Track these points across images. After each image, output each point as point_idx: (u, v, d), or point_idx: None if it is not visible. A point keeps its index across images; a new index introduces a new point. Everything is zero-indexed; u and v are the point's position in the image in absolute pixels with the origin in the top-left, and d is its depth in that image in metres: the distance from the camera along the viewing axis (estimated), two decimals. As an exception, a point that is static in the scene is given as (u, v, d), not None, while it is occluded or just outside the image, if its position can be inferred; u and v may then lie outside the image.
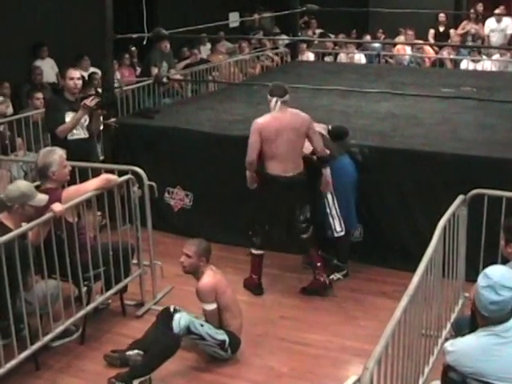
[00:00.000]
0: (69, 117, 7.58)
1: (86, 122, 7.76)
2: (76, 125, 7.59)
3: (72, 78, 7.69)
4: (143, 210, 6.48)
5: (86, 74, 11.18)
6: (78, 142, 7.64)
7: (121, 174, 6.41)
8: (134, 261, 6.49)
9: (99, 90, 8.43)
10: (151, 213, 6.62)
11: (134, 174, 6.46)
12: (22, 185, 5.55)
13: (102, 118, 8.36)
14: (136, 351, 5.51)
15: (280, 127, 6.42)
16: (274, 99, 6.59)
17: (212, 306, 5.50)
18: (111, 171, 6.52)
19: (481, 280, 3.76)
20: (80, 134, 7.70)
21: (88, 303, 5.95)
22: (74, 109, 7.62)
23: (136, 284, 6.52)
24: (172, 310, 5.56)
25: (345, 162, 6.93)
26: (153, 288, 6.66)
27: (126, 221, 6.47)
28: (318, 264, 6.70)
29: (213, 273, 5.60)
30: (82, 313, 5.83)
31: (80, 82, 7.80)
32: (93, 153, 7.96)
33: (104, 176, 6.15)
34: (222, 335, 5.51)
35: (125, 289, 6.40)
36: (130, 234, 6.48)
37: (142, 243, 6.52)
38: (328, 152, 6.62)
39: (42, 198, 5.51)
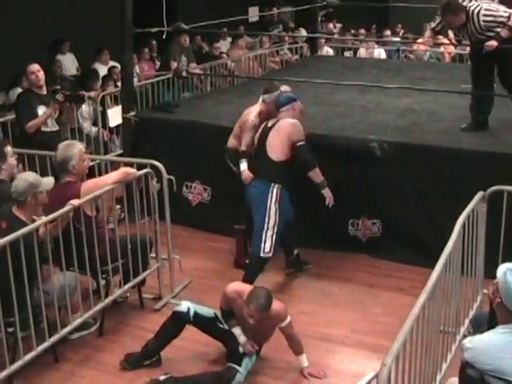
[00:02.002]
0: (41, 110, 7.65)
1: (56, 115, 7.86)
2: (45, 120, 7.68)
3: (33, 72, 7.78)
4: (162, 203, 6.49)
5: (105, 68, 11.22)
6: (47, 134, 7.74)
7: (140, 167, 6.43)
8: (152, 254, 6.50)
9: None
10: (170, 207, 6.63)
11: (153, 167, 6.47)
12: (27, 176, 5.56)
13: (120, 112, 8.40)
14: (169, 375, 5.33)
15: None
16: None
17: (289, 318, 5.39)
18: (130, 165, 6.54)
19: (509, 276, 3.73)
20: (50, 126, 7.78)
21: (106, 296, 5.97)
22: (44, 102, 7.71)
23: (154, 277, 6.54)
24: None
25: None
26: (171, 282, 6.67)
27: (144, 214, 6.48)
28: None
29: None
30: (100, 306, 5.85)
31: (42, 74, 7.84)
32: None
33: (123, 169, 6.17)
34: None
35: (143, 282, 6.43)
36: (149, 228, 6.49)
37: (160, 237, 6.53)
38: None
39: (48, 181, 5.59)
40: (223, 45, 14.53)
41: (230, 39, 14.80)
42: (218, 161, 7.73)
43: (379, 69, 10.97)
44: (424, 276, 4.54)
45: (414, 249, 7.07)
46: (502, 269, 3.80)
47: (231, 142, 7.20)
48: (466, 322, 5.45)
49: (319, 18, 13.34)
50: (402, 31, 16.78)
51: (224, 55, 13.18)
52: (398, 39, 15.07)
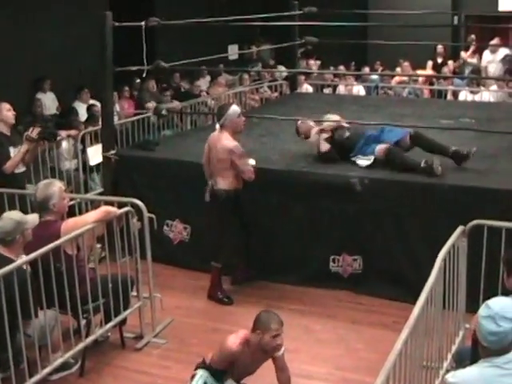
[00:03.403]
0: (12, 151, 7.48)
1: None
2: (23, 158, 7.48)
3: (9, 110, 7.62)
4: (143, 242, 6.47)
5: (85, 106, 11.26)
6: (20, 175, 7.61)
7: (120, 206, 6.42)
8: (134, 293, 6.47)
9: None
10: (151, 245, 6.61)
11: (134, 206, 6.46)
12: (13, 215, 5.56)
13: (101, 151, 8.41)
14: None
15: None
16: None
17: (284, 348, 5.31)
18: (111, 203, 6.53)
19: (482, 310, 3.75)
20: (21, 167, 7.61)
21: (87, 336, 5.92)
22: (13, 143, 7.55)
23: (135, 316, 6.50)
24: None
25: None
26: (152, 320, 6.63)
27: (125, 253, 6.46)
28: None
29: None
30: (81, 345, 5.81)
31: (11, 113, 7.66)
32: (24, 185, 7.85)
33: (103, 208, 6.16)
34: None
35: (124, 321, 6.38)
36: (130, 266, 6.47)
37: (141, 275, 6.49)
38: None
39: (34, 218, 5.62)
40: (203, 83, 14.61)
41: (209, 77, 14.89)
42: (197, 199, 7.75)
43: (359, 105, 11.04)
44: (406, 311, 4.53)
45: (396, 284, 7.07)
46: (484, 303, 3.82)
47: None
48: (449, 356, 5.44)
49: (298, 56, 13.43)
50: (380, 68, 16.92)
51: (204, 93, 13.25)
52: (376, 77, 15.17)
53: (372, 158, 7.53)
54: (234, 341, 5.12)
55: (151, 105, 11.18)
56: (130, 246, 6.40)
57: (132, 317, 6.47)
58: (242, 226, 7.35)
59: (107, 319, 6.08)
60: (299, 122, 8.33)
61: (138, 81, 12.87)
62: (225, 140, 7.00)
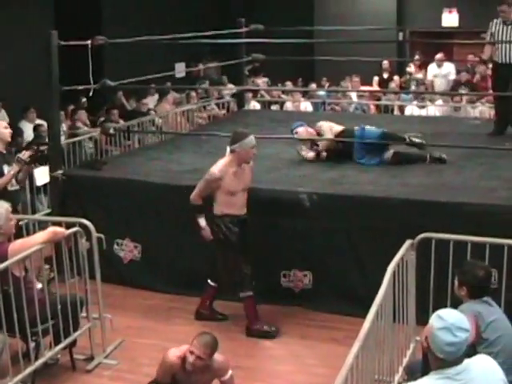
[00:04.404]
0: (5, 169, 7.48)
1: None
2: (11, 179, 7.51)
3: (6, 127, 7.63)
4: (92, 262, 6.42)
5: (31, 126, 11.16)
6: (14, 192, 7.62)
7: (68, 226, 6.36)
8: (83, 314, 6.40)
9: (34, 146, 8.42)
10: (101, 265, 6.56)
11: (82, 226, 6.41)
12: None
13: (48, 171, 8.33)
14: None
15: None
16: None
17: (231, 372, 5.33)
18: (59, 224, 6.46)
19: (436, 322, 3.76)
20: (14, 185, 7.64)
21: (36, 359, 5.83)
22: (7, 161, 7.55)
23: (86, 338, 6.42)
24: None
25: None
26: (103, 341, 6.56)
27: (74, 273, 6.39)
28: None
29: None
30: (30, 369, 5.72)
31: (8, 131, 7.68)
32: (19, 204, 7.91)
33: (51, 229, 6.09)
34: None
35: (74, 343, 6.30)
36: (79, 287, 6.40)
37: (91, 296, 6.44)
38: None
39: None
40: (150, 100, 14.58)
41: (157, 95, 14.86)
42: (147, 217, 7.73)
43: (307, 121, 11.05)
44: (357, 326, 4.55)
45: (346, 299, 7.11)
46: (434, 315, 3.85)
47: None
48: (400, 369, 5.47)
49: (245, 73, 13.47)
50: (327, 84, 17.06)
51: (152, 111, 13.22)
52: (323, 92, 15.27)
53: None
54: (173, 353, 5.18)
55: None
56: (78, 267, 6.34)
57: (82, 338, 6.39)
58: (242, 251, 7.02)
59: (57, 341, 6.00)
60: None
61: (84, 100, 12.78)
62: (217, 163, 6.84)
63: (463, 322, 3.79)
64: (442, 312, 3.84)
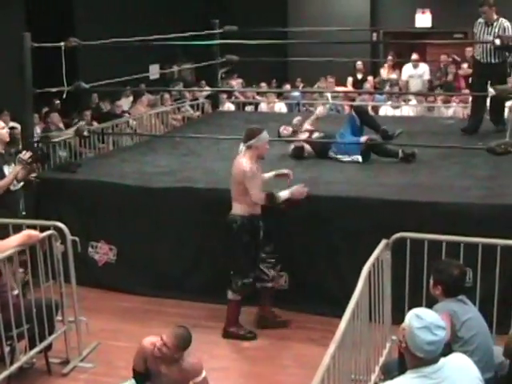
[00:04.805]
0: (6, 170, 7.49)
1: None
2: (13, 180, 7.51)
3: (3, 127, 7.61)
4: (67, 265, 6.38)
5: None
6: (17, 192, 7.68)
7: (43, 229, 6.32)
8: (59, 317, 6.37)
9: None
10: (76, 268, 6.52)
11: (57, 229, 6.37)
12: None
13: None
14: None
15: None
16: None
17: (204, 374, 5.35)
18: (33, 227, 6.42)
19: (414, 322, 3.78)
20: (16, 185, 7.66)
21: (11, 363, 5.78)
22: (6, 161, 7.56)
23: (61, 341, 6.39)
24: None
25: None
26: (78, 345, 6.52)
27: (49, 277, 6.36)
28: None
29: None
30: (5, 373, 5.67)
31: (5, 131, 7.67)
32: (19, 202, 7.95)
33: (25, 232, 6.04)
34: None
35: (50, 347, 6.26)
36: (54, 290, 6.36)
37: (66, 299, 6.40)
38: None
39: None
40: (125, 102, 14.53)
41: (132, 97, 14.81)
42: (122, 220, 7.71)
43: (282, 122, 11.07)
44: (333, 326, 4.55)
45: (323, 299, 7.11)
46: (409, 314, 3.86)
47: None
48: (377, 369, 5.49)
49: (220, 75, 13.46)
50: (301, 85, 17.08)
51: (126, 114, 13.17)
52: (298, 93, 15.29)
53: (358, 157, 8.48)
54: (148, 339, 5.32)
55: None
56: (53, 270, 6.30)
57: (57, 342, 6.36)
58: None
59: (32, 345, 5.96)
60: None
61: (58, 102, 12.72)
62: (244, 162, 6.72)
63: (440, 320, 3.85)
64: (419, 311, 3.86)
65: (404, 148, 8.34)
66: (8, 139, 7.72)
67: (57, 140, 9.42)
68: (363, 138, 8.57)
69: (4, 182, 7.39)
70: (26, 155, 7.50)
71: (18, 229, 6.23)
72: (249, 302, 6.99)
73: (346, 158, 8.55)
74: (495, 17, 9.37)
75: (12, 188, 7.54)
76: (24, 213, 8.47)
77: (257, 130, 6.90)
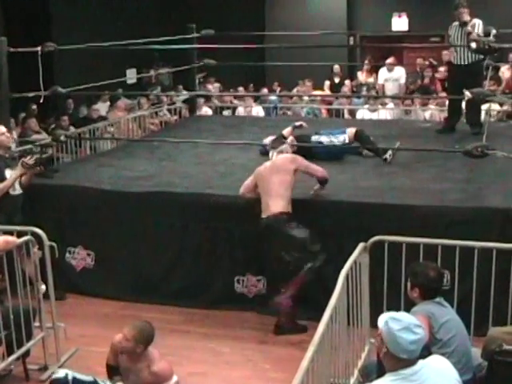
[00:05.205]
0: (7, 174, 7.46)
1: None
2: (13, 184, 7.48)
3: (2, 133, 7.58)
4: (44, 271, 6.35)
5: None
6: (17, 197, 7.60)
7: (20, 235, 6.28)
8: (37, 323, 6.33)
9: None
10: (54, 273, 6.49)
11: (34, 234, 6.34)
12: None
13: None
14: None
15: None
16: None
17: (175, 379, 5.38)
18: (10, 233, 6.38)
19: (394, 324, 3.79)
20: (18, 189, 7.61)
21: (-11, 370, 5.76)
22: (8, 165, 7.54)
23: (39, 347, 6.34)
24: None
25: None
26: (56, 351, 6.48)
27: (26, 283, 6.32)
28: None
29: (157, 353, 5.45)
30: (-18, 380, 5.65)
31: (7, 135, 7.68)
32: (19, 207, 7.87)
33: (2, 238, 6.01)
34: None
35: (27, 353, 6.22)
36: (32, 296, 6.33)
37: (44, 305, 6.37)
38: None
39: None
40: (102, 107, 14.48)
41: (109, 102, 14.77)
42: (100, 225, 7.68)
43: (259, 126, 11.12)
44: (312, 329, 4.56)
45: (300, 303, 7.10)
46: (383, 318, 3.87)
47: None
48: (356, 372, 5.49)
49: (197, 80, 13.46)
50: (278, 89, 17.11)
51: (104, 119, 13.12)
52: (275, 97, 15.30)
53: (344, 136, 8.69)
54: (118, 335, 5.42)
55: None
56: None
57: (35, 348, 6.32)
58: None
59: (10, 352, 5.92)
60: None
61: (35, 107, 12.66)
62: (283, 156, 7.26)
63: (416, 319, 3.92)
64: (394, 314, 3.90)
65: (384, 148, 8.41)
66: (10, 144, 7.73)
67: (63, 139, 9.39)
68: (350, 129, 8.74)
69: (3, 185, 7.35)
70: (30, 159, 7.47)
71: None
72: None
73: (332, 138, 8.67)
74: (469, 18, 9.45)
75: (12, 193, 7.49)
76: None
77: (279, 139, 7.88)
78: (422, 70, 15.90)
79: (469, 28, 9.21)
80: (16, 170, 7.43)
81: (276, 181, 6.90)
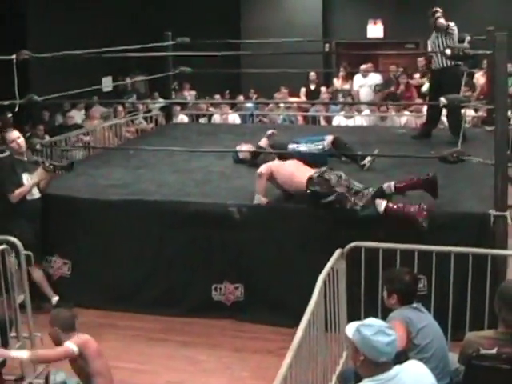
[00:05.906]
0: (24, 178, 7.53)
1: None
2: (30, 189, 7.56)
3: (13, 140, 7.65)
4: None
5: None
6: (35, 201, 7.68)
7: (-5, 244, 6.24)
8: (13, 333, 6.28)
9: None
10: (30, 282, 6.45)
11: (10, 243, 6.30)
12: None
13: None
14: None
15: None
16: None
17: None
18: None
19: (366, 331, 3.80)
20: (34, 194, 7.66)
21: (-35, 380, 5.72)
22: (26, 169, 7.61)
23: (15, 357, 6.31)
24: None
25: None
26: (33, 360, 6.44)
27: (2, 292, 6.27)
28: None
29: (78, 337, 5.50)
30: (-42, 391, 5.60)
31: (22, 140, 7.79)
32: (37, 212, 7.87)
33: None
34: None
35: (3, 363, 6.17)
36: (8, 306, 6.28)
37: (20, 315, 6.32)
38: None
39: None
40: (77, 115, 14.42)
41: (83, 110, 14.72)
42: (77, 233, 7.64)
43: (235, 134, 11.10)
44: (290, 336, 4.56)
45: (278, 310, 7.11)
46: (352, 328, 3.89)
47: None
48: (333, 378, 5.50)
49: (173, 87, 13.43)
50: (255, 96, 17.11)
51: (79, 127, 13.07)
52: (251, 104, 15.31)
53: (323, 143, 8.62)
54: None
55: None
56: (7, 285, 6.23)
57: (12, 358, 6.28)
58: None
59: (-15, 362, 5.89)
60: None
61: (10, 115, 12.57)
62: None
63: (384, 323, 3.99)
64: (363, 322, 3.94)
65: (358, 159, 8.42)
66: (24, 149, 7.78)
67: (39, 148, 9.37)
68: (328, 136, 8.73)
69: (21, 190, 7.45)
70: (49, 165, 7.62)
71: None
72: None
73: (310, 146, 8.65)
74: (445, 23, 9.53)
75: (29, 198, 7.59)
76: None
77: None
78: (396, 77, 15.95)
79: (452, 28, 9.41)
80: (34, 174, 7.45)
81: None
